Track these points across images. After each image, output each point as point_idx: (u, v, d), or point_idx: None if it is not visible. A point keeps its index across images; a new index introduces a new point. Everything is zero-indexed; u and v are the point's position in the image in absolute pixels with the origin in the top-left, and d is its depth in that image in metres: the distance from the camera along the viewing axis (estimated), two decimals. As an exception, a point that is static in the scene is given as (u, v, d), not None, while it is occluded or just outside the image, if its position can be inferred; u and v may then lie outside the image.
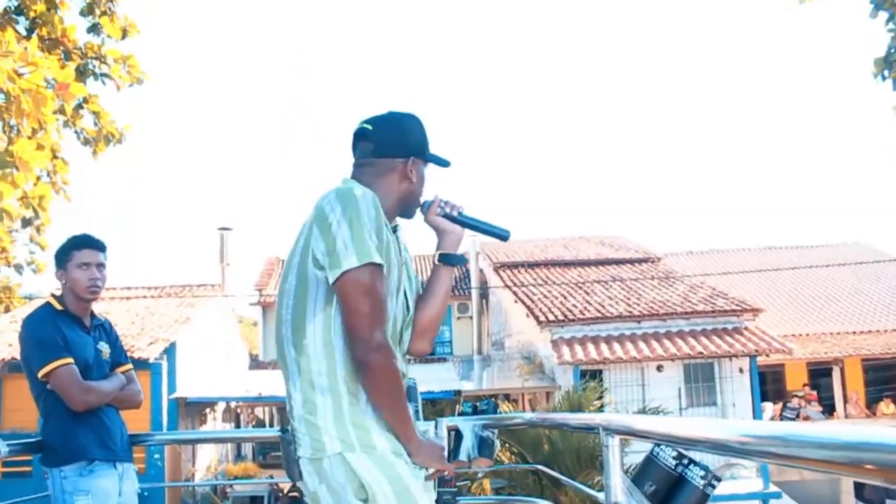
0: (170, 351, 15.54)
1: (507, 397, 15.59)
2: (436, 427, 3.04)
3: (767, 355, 14.89)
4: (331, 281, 1.78)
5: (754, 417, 15.35)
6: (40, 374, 2.88)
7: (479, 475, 8.60)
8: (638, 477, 1.93)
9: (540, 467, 2.79)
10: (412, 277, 2.05)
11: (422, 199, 2.08)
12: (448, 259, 2.10)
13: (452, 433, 3.06)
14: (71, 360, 2.91)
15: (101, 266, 3.09)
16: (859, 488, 18.64)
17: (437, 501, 2.96)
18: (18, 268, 15.18)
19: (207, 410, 17.36)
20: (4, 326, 17.47)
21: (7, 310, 20.86)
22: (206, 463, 17.06)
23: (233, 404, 18.08)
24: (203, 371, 16.87)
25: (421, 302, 2.07)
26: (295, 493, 15.40)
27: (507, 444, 9.81)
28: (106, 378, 3.08)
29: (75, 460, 2.88)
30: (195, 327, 17.16)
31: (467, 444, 2.99)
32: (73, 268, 3.04)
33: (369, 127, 2.03)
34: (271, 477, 15.50)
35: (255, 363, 22.14)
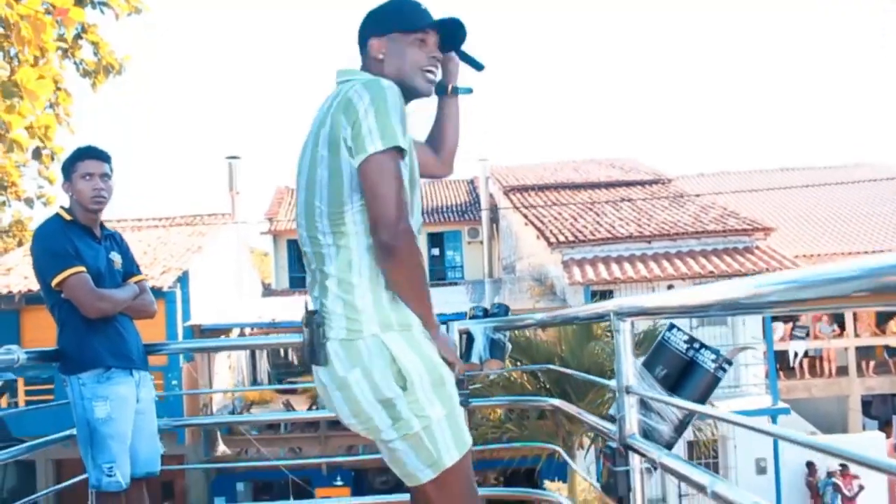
0: (183, 280, 15.68)
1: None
2: (447, 331, 3.05)
3: (779, 274, 14.86)
4: (356, 165, 1.76)
5: (765, 337, 15.45)
6: (53, 283, 2.90)
7: (491, 377, 8.72)
8: (649, 361, 1.93)
9: (553, 367, 2.77)
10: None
11: (420, 70, 1.98)
12: (458, 90, 2.17)
13: (464, 336, 3.08)
14: (83, 268, 2.92)
15: (105, 176, 3.07)
16: (867, 406, 18.87)
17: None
18: (29, 202, 15.25)
19: (222, 338, 17.60)
20: (19, 260, 17.64)
21: (20, 244, 21.06)
22: (223, 387, 17.38)
23: (247, 331, 18.29)
24: (216, 299, 17.05)
25: (444, 131, 2.18)
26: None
27: (518, 362, 9.93)
28: (118, 287, 3.09)
29: (92, 367, 2.91)
30: (207, 256, 17.27)
31: (479, 346, 3.01)
32: (78, 179, 3.03)
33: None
34: (287, 402, 15.83)
35: (268, 291, 22.33)
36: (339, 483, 14.74)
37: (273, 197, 25.30)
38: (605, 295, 14.07)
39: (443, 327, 3.07)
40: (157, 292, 14.42)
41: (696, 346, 1.88)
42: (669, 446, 1.88)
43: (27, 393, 15.52)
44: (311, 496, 15.00)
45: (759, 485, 14.78)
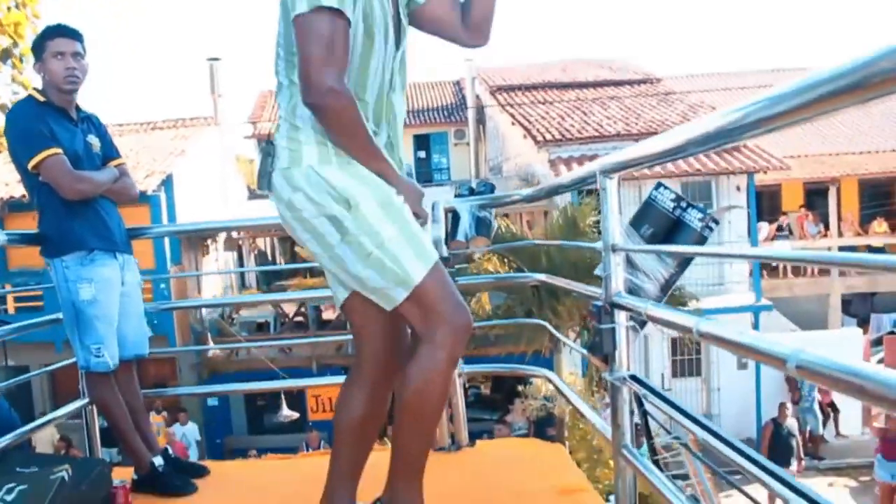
0: (167, 184, 15.53)
1: (505, 216, 15.72)
2: (433, 209, 3.02)
3: (765, 173, 14.89)
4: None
5: (749, 236, 15.57)
6: (30, 165, 2.83)
7: (477, 256, 8.79)
8: (636, 220, 1.92)
9: (535, 241, 2.76)
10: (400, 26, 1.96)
11: None
12: None
13: (449, 215, 3.06)
14: (59, 150, 2.84)
15: (77, 55, 2.96)
16: (846, 304, 19.21)
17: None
18: (3, 108, 14.93)
19: (209, 242, 17.57)
20: (-1, 165, 17.39)
21: (-2, 151, 20.70)
22: (212, 292, 17.46)
23: (234, 234, 18.26)
24: (202, 203, 16.92)
25: None
26: (300, 318, 15.91)
27: (505, 260, 10.00)
28: (98, 170, 3.03)
29: (74, 249, 2.87)
30: (191, 160, 17.06)
31: (464, 224, 2.99)
32: (49, 58, 2.91)
33: None
34: (276, 304, 15.93)
35: (254, 195, 22.17)
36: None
37: (256, 101, 24.87)
38: (593, 193, 14.06)
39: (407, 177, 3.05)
40: (142, 196, 14.28)
41: (683, 204, 1.86)
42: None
43: (17, 300, 15.56)
44: (302, 394, 15.30)
45: (740, 379, 15.18)
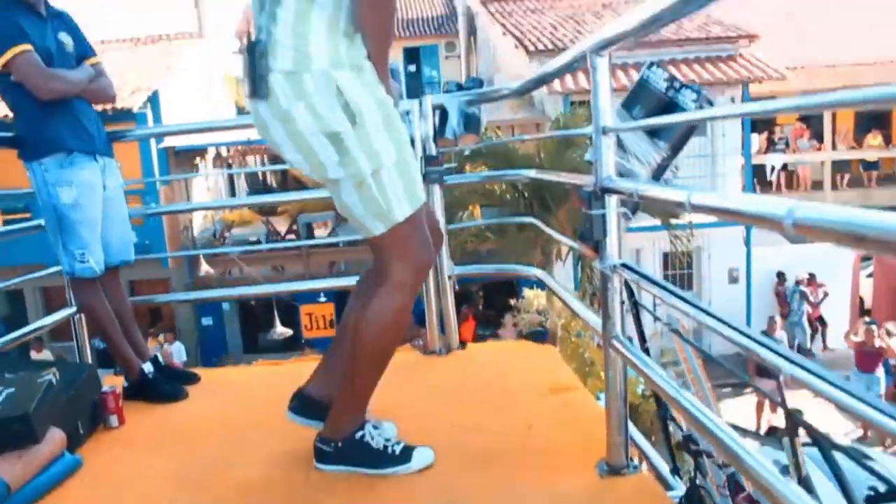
0: (153, 100, 15.24)
1: (497, 129, 15.53)
2: (420, 105, 2.94)
3: (760, 82, 14.67)
4: None
5: (743, 148, 15.47)
6: (-1, 65, 2.72)
7: (466, 153, 8.71)
8: (627, 102, 1.86)
9: (525, 137, 2.69)
10: None
11: None
12: None
13: (437, 111, 2.98)
14: (29, 46, 2.72)
15: None
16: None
17: (423, 178, 2.95)
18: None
19: (197, 159, 17.38)
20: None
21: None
22: (203, 213, 17.37)
23: (223, 151, 18.06)
24: (190, 120, 16.63)
25: None
26: (292, 235, 15.88)
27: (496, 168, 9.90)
28: (72, 70, 2.92)
29: (53, 151, 2.78)
30: (177, 76, 16.71)
31: (452, 121, 2.92)
32: None
33: None
34: (267, 221, 15.88)
35: (243, 113, 21.82)
36: (323, 300, 15.07)
37: (242, 14, 24.24)
38: (585, 104, 13.85)
39: (413, 107, 2.97)
40: (128, 113, 14.05)
41: (677, 85, 1.79)
42: (647, 191, 1.83)
43: (5, 223, 15.44)
44: (295, 312, 15.40)
45: (731, 293, 15.32)
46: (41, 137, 2.79)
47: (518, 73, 16.39)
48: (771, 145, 18.55)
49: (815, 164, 18.90)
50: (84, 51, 3.02)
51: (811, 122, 19.82)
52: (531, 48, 14.60)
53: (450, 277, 3.13)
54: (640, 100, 1.81)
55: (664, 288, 1.63)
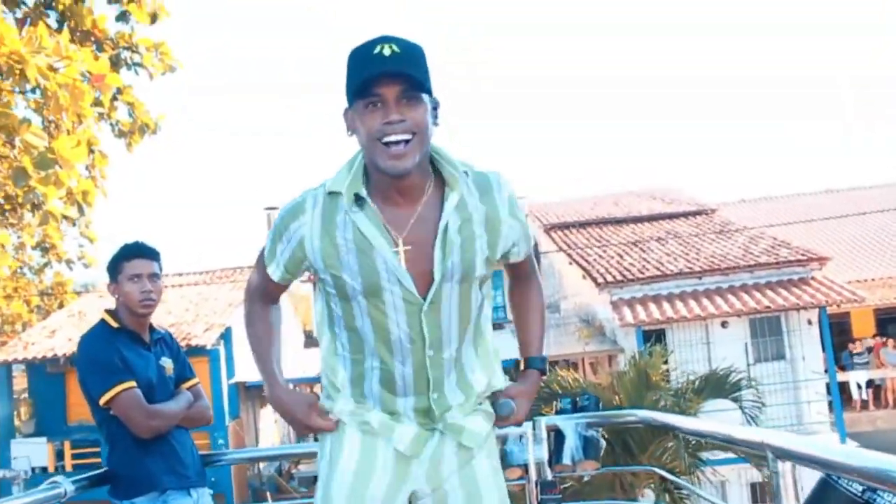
0: (226, 336, 15.57)
1: (566, 363, 15.29)
2: (534, 427, 2.74)
3: (839, 306, 14.34)
4: None
5: (826, 370, 14.83)
6: (101, 401, 2.64)
7: (586, 478, 8.31)
8: (814, 506, 1.61)
9: (657, 470, 2.48)
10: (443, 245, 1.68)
11: (376, 142, 1.60)
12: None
13: (552, 434, 2.77)
14: (133, 383, 2.65)
15: (153, 276, 2.82)
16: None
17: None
18: (70, 263, 15.18)
19: (266, 394, 17.42)
20: (62, 321, 17.68)
21: (61, 305, 21.14)
22: (270, 442, 17.17)
23: (292, 386, 18.10)
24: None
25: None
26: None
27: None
28: (171, 397, 2.83)
29: (146, 491, 2.64)
30: (248, 310, 17.14)
31: (570, 444, 2.70)
32: (125, 280, 2.77)
33: None
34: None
35: (310, 340, 22.15)
36: None
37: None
38: (658, 335, 13.62)
39: (526, 431, 2.78)
40: (201, 350, 14.31)
41: (875, 489, 1.55)
42: None
43: (73, 457, 15.41)
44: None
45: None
46: (135, 475, 2.67)
47: (586, 301, 16.41)
48: (854, 357, 17.84)
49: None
50: (182, 372, 2.96)
51: (890, 334, 19.18)
52: (600, 280, 14.66)
53: None
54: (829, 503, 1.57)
55: None
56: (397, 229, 1.67)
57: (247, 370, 15.75)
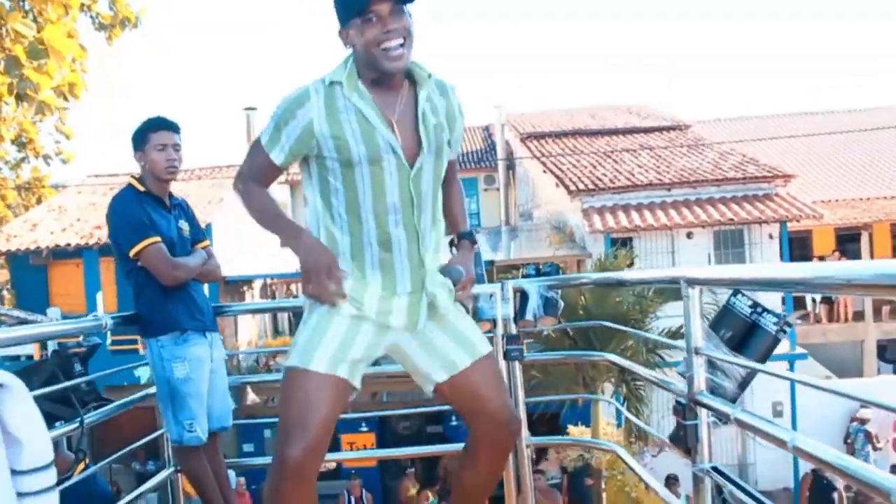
0: (207, 232, 15.79)
1: (536, 266, 15.87)
2: (502, 289, 3.21)
3: (798, 221, 14.95)
4: None
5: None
6: (131, 253, 3.04)
7: (545, 332, 8.90)
8: (714, 325, 2.09)
9: (615, 358, 2.94)
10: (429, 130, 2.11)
11: (378, 47, 2.01)
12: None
13: (518, 294, 3.24)
14: (159, 238, 3.06)
15: (177, 147, 3.20)
16: (882, 350, 19.02)
17: (504, 356, 3.19)
18: (47, 158, 15.22)
19: (245, 288, 17.88)
20: (43, 215, 17.88)
21: (39, 200, 21.25)
22: (248, 338, 17.72)
23: (268, 281, 18.56)
24: (238, 250, 17.26)
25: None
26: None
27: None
28: (189, 254, 3.25)
29: (169, 330, 3.08)
30: (228, 208, 17.43)
31: (533, 303, 3.17)
32: (151, 150, 3.15)
33: None
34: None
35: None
36: (364, 429, 15.13)
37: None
38: (626, 242, 14.19)
39: (496, 291, 3.24)
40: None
41: (759, 310, 2.03)
42: (734, 401, 2.04)
43: (112, 343, 15.82)
44: (336, 441, 15.42)
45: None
46: (160, 317, 3.10)
47: (558, 209, 16.88)
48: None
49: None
50: (197, 235, 3.39)
51: (848, 253, 19.96)
52: (572, 188, 15.10)
53: (528, 447, 3.30)
54: (726, 322, 2.05)
55: (754, 497, 1.81)
56: (388, 113, 2.07)
57: (226, 265, 16.06)
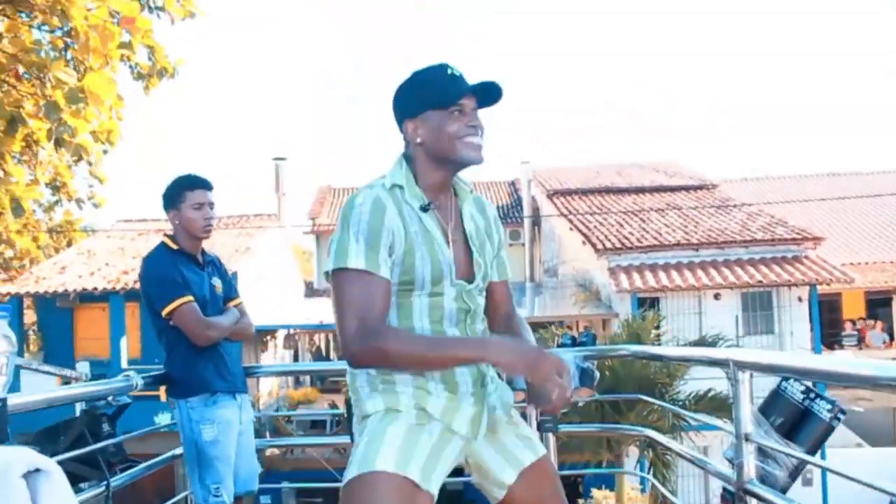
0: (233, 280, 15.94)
1: (560, 324, 15.72)
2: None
3: (828, 284, 14.75)
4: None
5: (813, 347, 15.29)
6: (164, 312, 3.03)
7: (580, 404, 8.76)
8: (764, 409, 2.01)
9: (645, 398, 2.85)
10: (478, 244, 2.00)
11: (461, 140, 1.88)
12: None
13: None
14: (191, 297, 3.04)
15: (212, 205, 3.20)
16: (915, 413, 18.57)
17: (538, 428, 3.11)
18: (79, 202, 15.46)
19: (268, 338, 17.87)
20: (72, 258, 18.09)
21: (69, 244, 21.53)
22: (269, 388, 17.65)
23: (292, 331, 18.56)
24: (263, 300, 17.30)
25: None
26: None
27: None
28: (221, 313, 3.23)
29: (199, 392, 3.04)
30: (254, 257, 17.54)
31: (568, 374, 3.10)
32: (188, 208, 3.15)
33: None
34: (333, 403, 16.03)
35: (311, 291, 22.59)
36: None
37: (315, 196, 25.57)
38: (653, 302, 14.05)
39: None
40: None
41: (812, 395, 1.95)
42: (784, 490, 1.96)
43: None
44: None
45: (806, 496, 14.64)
46: (190, 378, 3.06)
47: (584, 267, 16.80)
48: (844, 339, 18.32)
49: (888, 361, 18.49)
50: (229, 292, 3.37)
51: (878, 317, 19.65)
52: (599, 246, 15.04)
53: None
54: (777, 408, 1.97)
55: None
56: (445, 222, 1.95)
57: (251, 315, 16.14)
